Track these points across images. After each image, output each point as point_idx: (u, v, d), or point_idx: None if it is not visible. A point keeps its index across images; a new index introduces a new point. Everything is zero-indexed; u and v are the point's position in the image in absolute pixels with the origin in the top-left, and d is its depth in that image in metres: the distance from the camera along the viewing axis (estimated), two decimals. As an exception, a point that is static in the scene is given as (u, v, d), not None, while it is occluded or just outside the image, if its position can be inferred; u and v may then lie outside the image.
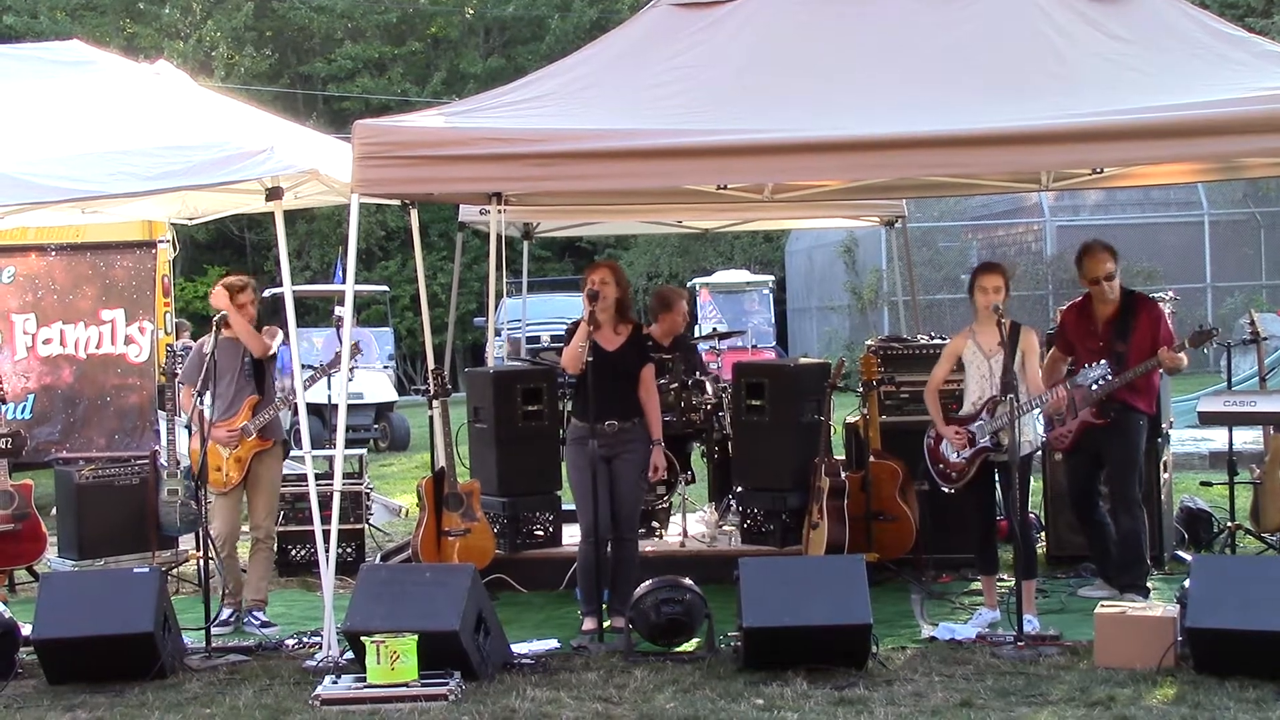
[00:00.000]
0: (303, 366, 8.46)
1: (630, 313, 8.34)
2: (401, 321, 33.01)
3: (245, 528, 9.07)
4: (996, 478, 8.19)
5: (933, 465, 8.33)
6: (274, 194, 8.10)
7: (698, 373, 10.61)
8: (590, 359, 7.94)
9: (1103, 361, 8.06)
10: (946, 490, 8.28)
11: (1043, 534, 10.01)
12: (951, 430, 8.13)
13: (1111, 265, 8.65)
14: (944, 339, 9.62)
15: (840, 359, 9.83)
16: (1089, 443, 8.76)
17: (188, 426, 8.95)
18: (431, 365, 9.61)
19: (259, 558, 8.92)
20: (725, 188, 8.85)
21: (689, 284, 29.07)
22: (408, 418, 20.52)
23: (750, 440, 9.98)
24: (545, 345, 20.81)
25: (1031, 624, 7.82)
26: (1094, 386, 8.12)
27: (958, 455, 8.14)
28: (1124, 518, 8.60)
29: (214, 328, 8.50)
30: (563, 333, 8.51)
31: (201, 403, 8.38)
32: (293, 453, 10.20)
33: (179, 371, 9.20)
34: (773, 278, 29.47)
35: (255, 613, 8.85)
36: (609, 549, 8.13)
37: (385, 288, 29.39)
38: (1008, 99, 7.46)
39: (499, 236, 10.57)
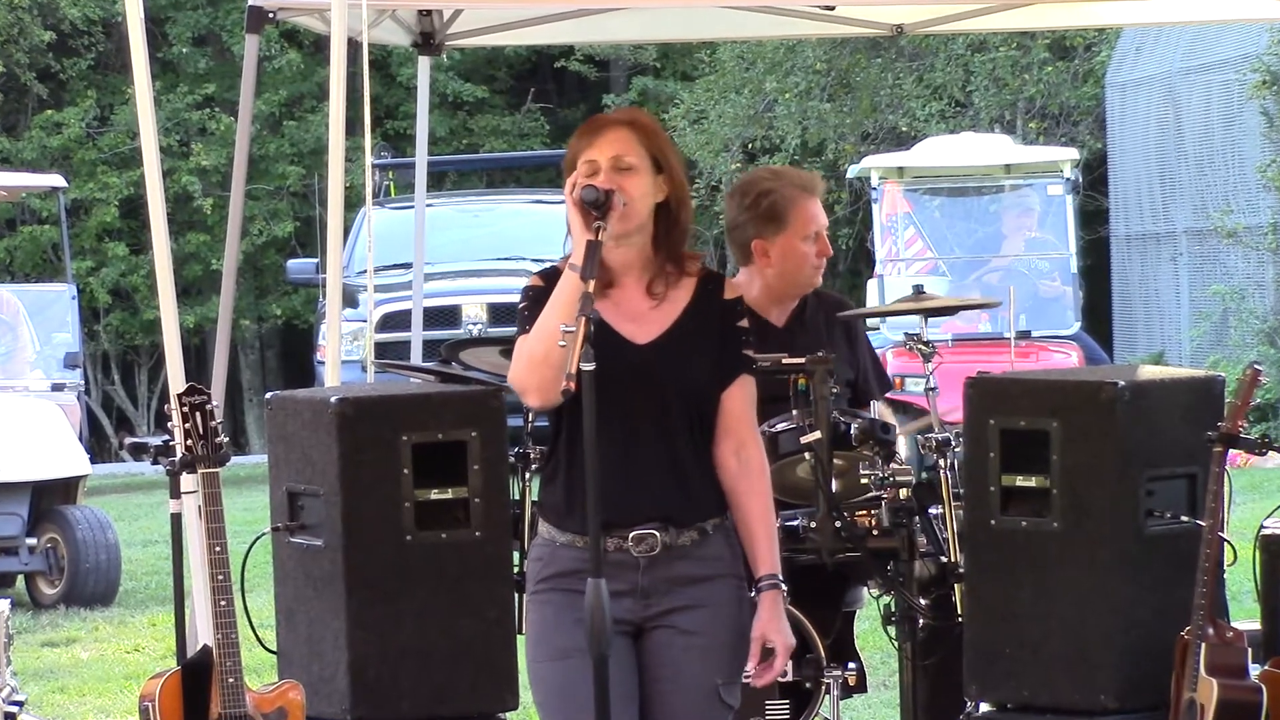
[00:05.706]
0: None
1: (684, 241, 7.61)
2: (100, 269, 31.13)
3: None
4: None
5: None
6: None
7: (873, 405, 9.90)
8: (591, 366, 7.14)
9: None
10: None
11: None
12: None
13: None
14: None
15: (1251, 367, 9.00)
16: None
17: None
18: (177, 386, 9.12)
19: None
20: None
21: (851, 172, 27.52)
22: (114, 522, 18.84)
23: (1010, 581, 9.28)
24: (472, 331, 20.86)
25: None
26: None
27: None
28: None
29: None
30: (516, 301, 7.92)
31: None
32: None
33: None
34: (1075, 155, 26.62)
35: None
36: None
37: (59, 180, 26.84)
38: None
39: (352, 43, 10.10)
